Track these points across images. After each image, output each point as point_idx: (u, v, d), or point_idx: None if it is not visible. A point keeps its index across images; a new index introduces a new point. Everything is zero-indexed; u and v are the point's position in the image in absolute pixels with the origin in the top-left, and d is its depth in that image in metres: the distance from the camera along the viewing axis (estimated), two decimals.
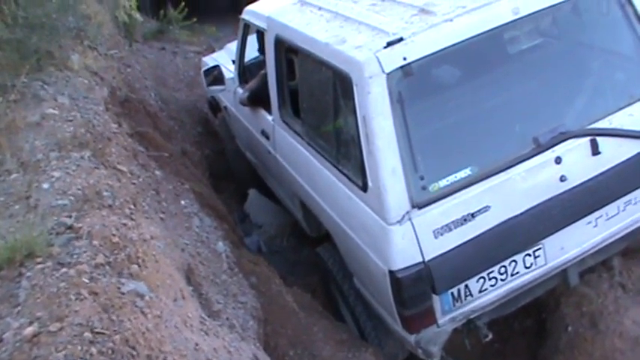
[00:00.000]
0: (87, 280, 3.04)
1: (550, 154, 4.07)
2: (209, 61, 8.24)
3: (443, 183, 3.93)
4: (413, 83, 3.92)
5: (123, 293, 3.09)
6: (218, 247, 5.09)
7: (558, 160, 4.06)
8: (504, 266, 4.10)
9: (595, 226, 4.28)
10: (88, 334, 2.74)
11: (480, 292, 4.10)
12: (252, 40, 6.61)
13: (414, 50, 3.90)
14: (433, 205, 3.89)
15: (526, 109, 4.29)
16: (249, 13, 6.29)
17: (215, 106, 8.35)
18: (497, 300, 4.22)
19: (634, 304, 4.68)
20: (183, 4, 10.91)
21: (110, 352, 2.71)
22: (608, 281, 4.86)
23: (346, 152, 4.34)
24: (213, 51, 9.85)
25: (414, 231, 3.86)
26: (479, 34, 4.01)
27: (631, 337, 4.51)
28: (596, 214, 4.24)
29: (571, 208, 4.12)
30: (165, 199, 5.06)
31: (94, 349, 2.68)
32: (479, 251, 3.95)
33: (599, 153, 4.13)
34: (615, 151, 4.18)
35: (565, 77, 4.50)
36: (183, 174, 6.20)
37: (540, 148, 4.06)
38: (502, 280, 4.13)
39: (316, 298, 5.82)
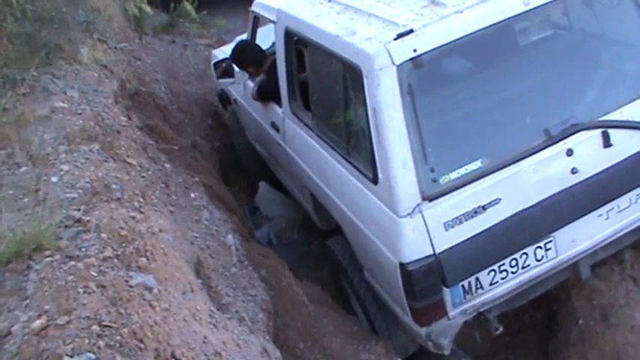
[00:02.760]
0: (95, 274, 3.04)
1: (561, 146, 4.04)
2: (219, 54, 8.22)
3: (454, 175, 3.92)
4: (423, 75, 3.90)
5: (131, 286, 3.09)
6: (228, 240, 5.08)
7: (570, 153, 4.04)
8: (515, 259, 4.08)
9: (606, 218, 4.26)
10: (95, 327, 2.74)
11: (491, 284, 4.08)
12: (262, 33, 6.59)
13: (425, 42, 3.87)
14: (444, 198, 3.88)
15: (537, 100, 4.26)
16: (259, 5, 6.28)
17: (225, 98, 8.33)
18: (508, 293, 4.20)
19: None
20: None
21: (118, 345, 2.71)
22: (620, 274, 4.83)
23: (356, 144, 4.33)
24: (224, 43, 9.84)
25: (425, 223, 3.85)
26: (489, 26, 3.98)
27: None
28: (608, 206, 4.22)
29: (582, 200, 4.10)
30: (174, 192, 5.06)
31: (101, 343, 2.68)
32: (490, 244, 3.94)
33: (610, 145, 4.11)
34: (627, 143, 4.16)
35: (576, 69, 4.48)
36: (193, 167, 6.20)
37: (551, 140, 4.04)
38: (513, 272, 4.11)
39: (326, 290, 5.82)
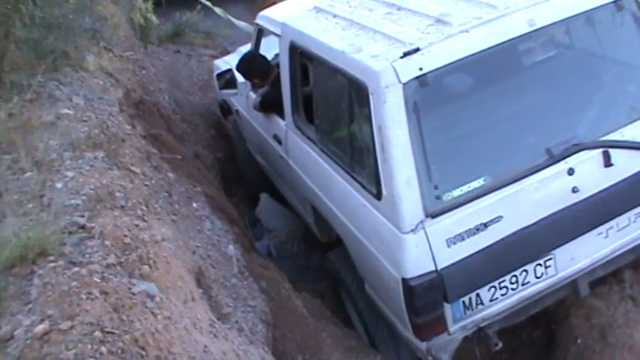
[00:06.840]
0: (98, 280, 3.05)
1: (563, 165, 4.07)
2: (221, 64, 8.23)
3: (457, 193, 3.94)
4: (428, 93, 3.93)
5: (133, 294, 3.10)
6: (229, 251, 5.10)
7: (571, 172, 4.07)
8: (515, 276, 4.10)
9: (606, 237, 4.28)
10: (98, 334, 2.75)
11: (491, 300, 4.10)
12: (265, 44, 6.61)
13: (430, 61, 3.90)
14: (446, 215, 3.90)
15: (540, 120, 4.29)
16: (263, 18, 6.31)
17: (226, 109, 8.34)
18: (508, 309, 4.22)
19: None
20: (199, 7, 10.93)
21: (120, 351, 2.73)
22: (619, 294, 4.84)
23: (360, 160, 4.35)
24: (228, 54, 9.86)
25: (428, 240, 3.87)
26: (494, 46, 4.02)
27: None
28: (607, 225, 4.25)
29: (582, 219, 4.12)
30: (177, 202, 5.07)
31: (103, 349, 2.70)
32: (491, 261, 3.96)
33: (611, 165, 4.14)
34: (627, 163, 4.19)
35: (579, 89, 4.51)
36: (195, 177, 6.22)
37: (553, 159, 4.07)
38: (513, 289, 4.13)
39: (325, 303, 5.83)
